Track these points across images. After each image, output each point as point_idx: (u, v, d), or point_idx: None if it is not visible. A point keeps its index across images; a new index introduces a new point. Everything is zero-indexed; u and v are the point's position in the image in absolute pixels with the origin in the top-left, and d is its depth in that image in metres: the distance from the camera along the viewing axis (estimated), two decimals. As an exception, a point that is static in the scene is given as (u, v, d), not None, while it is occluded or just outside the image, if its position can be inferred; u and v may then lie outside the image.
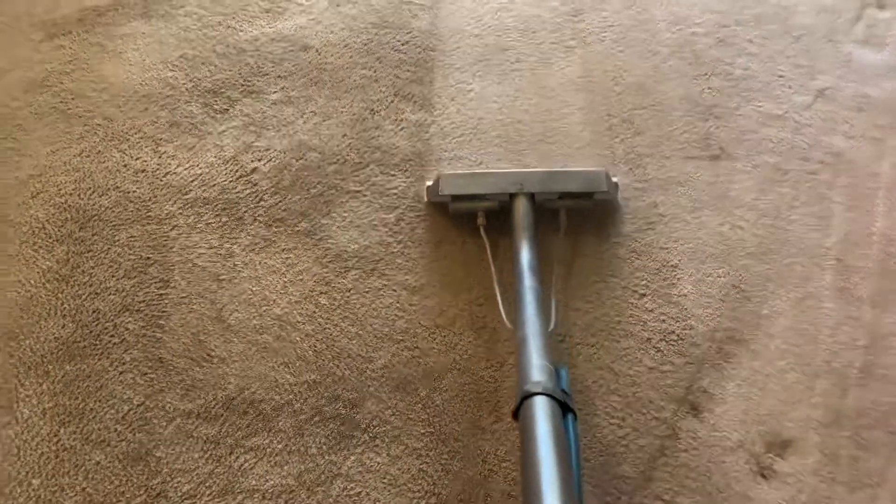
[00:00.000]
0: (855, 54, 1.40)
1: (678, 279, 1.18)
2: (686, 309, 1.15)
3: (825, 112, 1.34)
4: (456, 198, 1.20)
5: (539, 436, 0.80)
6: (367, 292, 1.20)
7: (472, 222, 1.22)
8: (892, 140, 1.30)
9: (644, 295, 1.17)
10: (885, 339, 1.11)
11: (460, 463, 1.06)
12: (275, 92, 1.41)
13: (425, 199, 1.26)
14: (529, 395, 0.86)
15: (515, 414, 0.88)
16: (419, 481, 1.04)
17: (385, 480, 1.05)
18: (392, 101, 1.39)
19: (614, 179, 1.21)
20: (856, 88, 1.36)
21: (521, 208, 1.16)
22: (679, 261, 1.19)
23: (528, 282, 1.06)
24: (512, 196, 1.18)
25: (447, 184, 1.20)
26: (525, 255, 1.10)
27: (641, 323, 1.15)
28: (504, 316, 1.10)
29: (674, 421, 1.07)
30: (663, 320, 1.15)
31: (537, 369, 0.91)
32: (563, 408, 0.87)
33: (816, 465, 1.03)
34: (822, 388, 1.08)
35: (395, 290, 1.20)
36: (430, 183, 1.23)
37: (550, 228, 1.22)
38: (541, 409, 0.84)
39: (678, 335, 1.13)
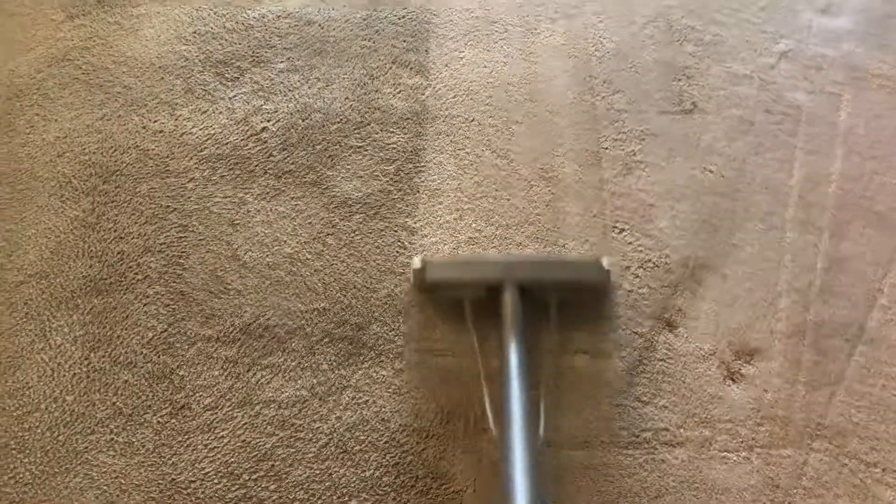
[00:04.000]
0: (815, 21, 1.57)
1: (655, 216, 1.32)
2: (662, 241, 1.30)
3: (788, 71, 1.50)
4: (443, 286, 1.19)
5: None
6: (370, 233, 1.34)
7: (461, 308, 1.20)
8: (848, 94, 1.46)
9: (624, 230, 1.32)
10: (842, 263, 1.26)
11: (457, 374, 1.19)
12: (281, 62, 1.56)
13: (411, 283, 1.23)
14: None
15: None
16: (421, 389, 1.18)
17: (390, 390, 1.18)
18: (390, 68, 1.54)
19: (605, 266, 1.18)
20: (815, 50, 1.52)
21: (510, 300, 1.12)
22: (655, 200, 1.34)
23: (515, 388, 1.01)
24: (501, 283, 1.15)
25: (434, 270, 1.18)
26: (513, 356, 1.06)
27: (622, 254, 1.29)
28: (491, 422, 1.09)
29: (651, 335, 1.21)
30: (641, 251, 1.29)
31: None
32: None
33: (780, 369, 1.17)
34: (786, 305, 1.22)
35: (395, 231, 1.34)
36: (417, 266, 1.20)
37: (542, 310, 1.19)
38: None
39: (655, 263, 1.28)
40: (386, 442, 1.14)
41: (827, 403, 1.13)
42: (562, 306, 1.19)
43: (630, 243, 1.30)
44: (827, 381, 1.15)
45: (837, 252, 1.26)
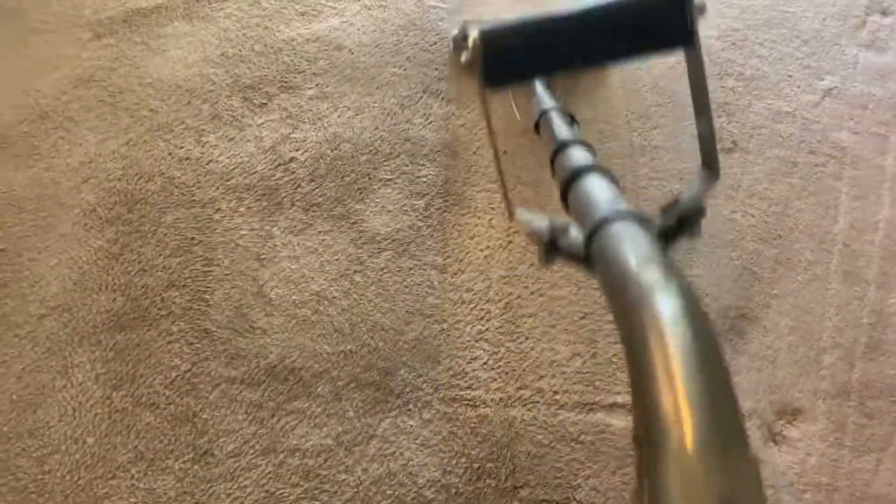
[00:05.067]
0: (860, 57, 1.50)
1: (693, 262, 1.27)
2: (701, 288, 1.25)
3: (832, 110, 1.44)
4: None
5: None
6: (398, 271, 1.29)
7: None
8: (895, 136, 1.39)
9: (661, 276, 1.26)
10: (890, 318, 1.20)
11: (488, 427, 1.14)
12: (310, 88, 1.51)
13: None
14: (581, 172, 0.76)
15: (553, 161, 0.82)
16: (450, 443, 1.13)
17: (417, 441, 1.13)
18: (421, 97, 1.49)
19: None
20: (861, 88, 1.46)
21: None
22: (694, 245, 1.29)
23: (540, 87, 1.10)
24: None
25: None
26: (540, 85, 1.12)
27: (658, 301, 1.24)
28: (516, 112, 1.22)
29: (689, 390, 1.16)
30: (679, 299, 1.24)
31: (578, 150, 0.83)
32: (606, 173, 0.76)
33: (824, 432, 1.11)
34: (830, 362, 1.17)
35: (424, 270, 1.29)
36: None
37: None
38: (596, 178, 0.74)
39: (693, 312, 1.22)
40: (412, 498, 1.10)
41: (874, 471, 1.08)
42: None
43: (667, 291, 1.24)
44: (874, 447, 1.10)
45: (885, 306, 1.21)
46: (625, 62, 0.67)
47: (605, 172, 0.76)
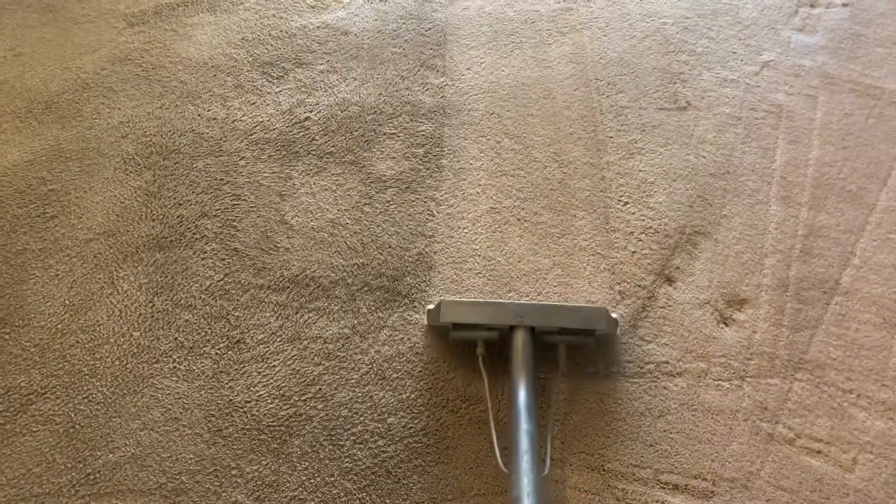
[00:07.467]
0: (793, 38, 1.81)
1: (654, 192, 1.52)
2: (661, 212, 1.49)
3: (770, 77, 1.72)
4: (456, 325, 1.24)
5: None
6: (402, 203, 1.53)
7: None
8: (823, 96, 1.68)
9: (627, 203, 1.51)
10: (820, 230, 1.45)
11: (483, 317, 1.36)
12: (321, 64, 1.78)
13: (425, 323, 1.31)
14: None
15: None
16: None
17: (423, 330, 1.35)
18: (418, 70, 1.76)
19: (613, 315, 1.25)
20: (794, 61, 1.75)
21: (521, 342, 1.19)
22: (654, 179, 1.54)
23: (523, 425, 1.08)
24: (512, 327, 1.22)
25: (448, 311, 1.23)
26: (521, 394, 1.13)
27: (626, 222, 1.48)
28: (499, 460, 1.15)
29: (653, 288, 1.39)
30: (643, 220, 1.49)
31: None
32: None
33: (767, 315, 1.35)
34: (771, 264, 1.41)
35: (425, 202, 1.53)
36: (431, 307, 1.28)
37: (550, 359, 1.28)
38: None
39: (655, 230, 1.47)
40: (420, 371, 1.31)
41: (808, 343, 1.31)
42: (570, 350, 1.27)
43: (633, 213, 1.49)
44: (808, 325, 1.33)
45: (815, 222, 1.46)
46: None
47: None
